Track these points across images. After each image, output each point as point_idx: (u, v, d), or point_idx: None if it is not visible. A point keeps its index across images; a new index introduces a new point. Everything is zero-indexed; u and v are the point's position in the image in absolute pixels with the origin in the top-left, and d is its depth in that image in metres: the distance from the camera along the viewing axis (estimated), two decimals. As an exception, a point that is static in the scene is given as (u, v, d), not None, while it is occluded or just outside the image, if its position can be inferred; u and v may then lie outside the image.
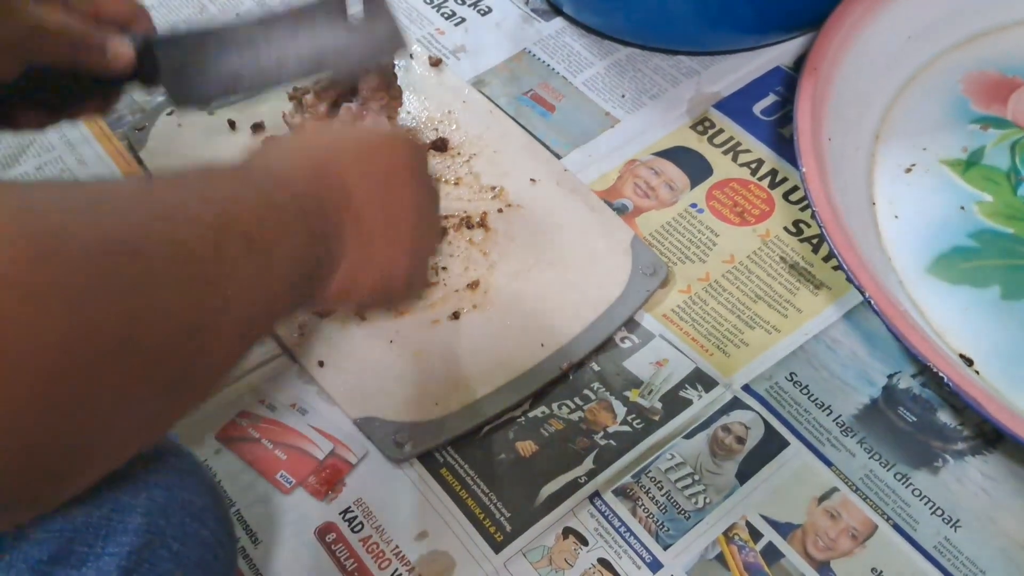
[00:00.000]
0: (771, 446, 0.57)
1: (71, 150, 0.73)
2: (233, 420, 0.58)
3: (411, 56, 0.76)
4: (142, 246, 0.35)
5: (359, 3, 0.59)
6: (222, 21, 0.60)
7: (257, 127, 0.71)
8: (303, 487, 0.56)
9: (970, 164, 0.69)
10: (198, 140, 0.71)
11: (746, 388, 0.59)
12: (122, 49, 0.55)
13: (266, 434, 0.58)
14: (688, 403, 0.59)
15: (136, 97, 0.76)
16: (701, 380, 0.60)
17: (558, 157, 0.71)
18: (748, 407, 0.59)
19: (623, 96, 0.75)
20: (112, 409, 0.34)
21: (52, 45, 0.53)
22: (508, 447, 0.57)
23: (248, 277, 0.41)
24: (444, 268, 0.63)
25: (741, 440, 0.57)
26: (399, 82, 0.68)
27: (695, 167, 0.71)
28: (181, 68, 0.58)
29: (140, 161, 0.71)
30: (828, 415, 0.58)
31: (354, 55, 0.60)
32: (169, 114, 0.73)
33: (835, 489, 0.55)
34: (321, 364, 0.60)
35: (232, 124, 0.72)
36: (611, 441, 0.57)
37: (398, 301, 0.54)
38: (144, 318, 0.34)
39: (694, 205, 0.68)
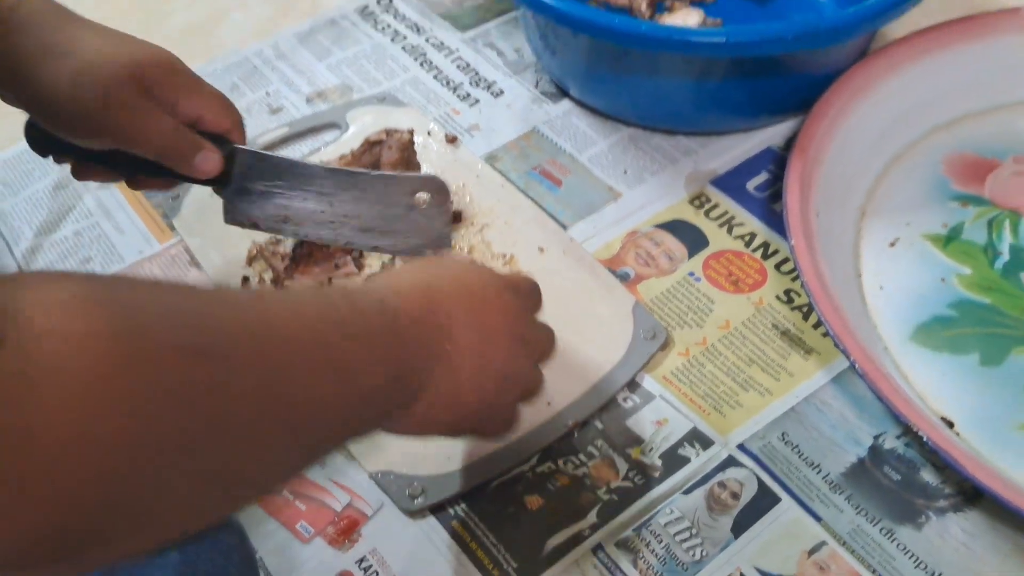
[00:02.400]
0: (764, 502, 0.58)
1: (107, 216, 0.76)
2: (256, 472, 0.61)
3: (428, 133, 0.79)
4: (225, 357, 0.36)
5: (427, 194, 0.63)
6: (304, 162, 0.63)
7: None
8: (321, 536, 0.58)
9: (950, 239, 0.71)
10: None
11: (741, 447, 0.61)
12: (206, 166, 0.58)
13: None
14: (686, 460, 0.60)
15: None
16: (699, 439, 0.61)
17: (564, 228, 0.73)
18: (742, 465, 0.60)
19: (625, 172, 0.78)
20: (157, 500, 0.34)
21: (148, 145, 0.56)
22: (516, 501, 0.58)
23: (327, 400, 0.41)
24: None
25: (736, 496, 0.58)
26: (417, 158, 0.72)
27: (692, 238, 0.73)
28: (247, 188, 0.61)
29: (173, 228, 0.74)
30: (818, 473, 0.59)
31: (402, 242, 0.63)
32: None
33: (824, 543, 0.56)
34: (341, 421, 0.62)
35: (260, 194, 0.75)
36: (614, 496, 0.58)
37: (466, 435, 0.55)
38: (209, 422, 0.35)
39: (692, 274, 0.70)
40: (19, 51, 0.54)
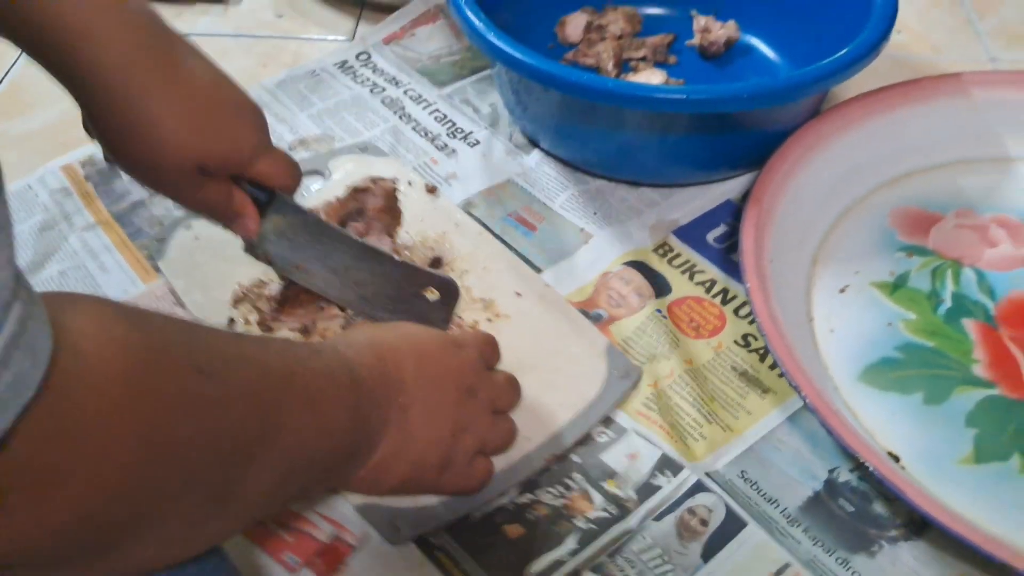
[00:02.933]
0: (731, 526, 0.60)
1: (93, 257, 0.77)
2: (245, 505, 0.62)
3: (409, 183, 0.81)
4: (223, 378, 0.40)
5: (437, 292, 0.66)
6: (336, 227, 0.66)
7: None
8: (308, 567, 0.58)
9: (896, 286, 0.74)
10: (215, 253, 0.74)
11: (707, 475, 0.63)
12: (241, 232, 0.61)
13: (273, 518, 0.60)
14: (658, 488, 0.62)
15: (155, 211, 0.80)
16: (669, 465, 0.63)
17: (540, 271, 0.76)
18: (710, 490, 0.62)
19: (595, 213, 0.81)
20: (165, 503, 0.38)
21: (195, 208, 0.60)
22: (497, 530, 0.60)
23: (299, 427, 0.45)
24: None
25: (704, 523, 0.60)
26: (399, 205, 0.75)
27: (658, 283, 0.76)
28: (276, 231, 0.63)
29: (158, 269, 0.75)
30: (776, 507, 0.61)
31: (396, 319, 0.66)
32: (188, 228, 0.76)
33: (788, 565, 0.58)
34: (326, 456, 0.64)
35: (247, 239, 0.77)
36: (591, 525, 0.60)
37: (432, 493, 0.58)
38: (209, 434, 0.39)
39: (659, 311, 0.73)
40: (102, 63, 0.51)
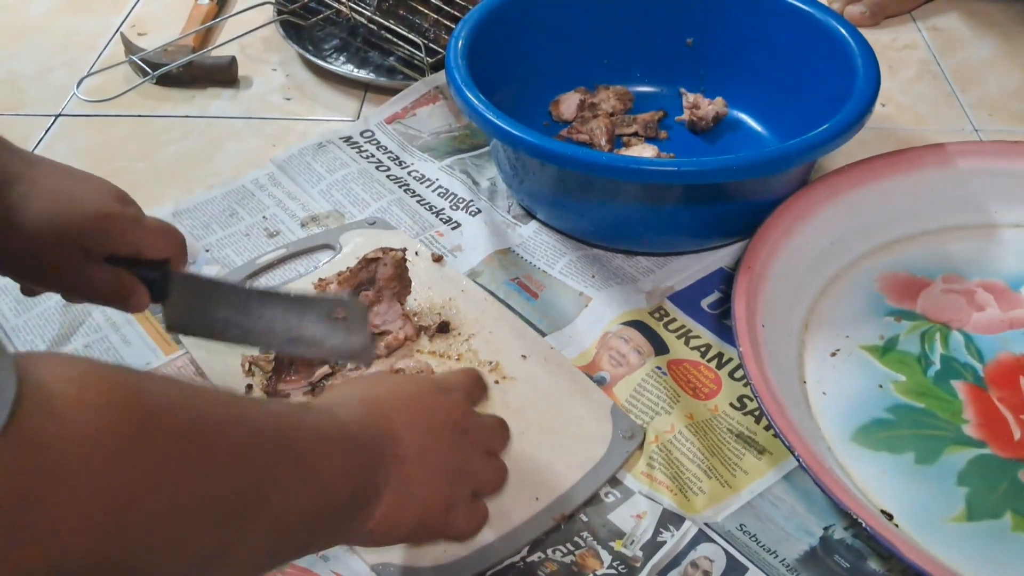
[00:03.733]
0: (734, 574, 0.62)
1: (115, 330, 0.79)
2: (265, 567, 0.63)
3: (416, 253, 0.84)
4: (211, 442, 0.41)
5: (344, 311, 0.67)
6: (232, 283, 0.69)
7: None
8: None
9: (886, 350, 0.76)
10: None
11: (708, 526, 0.64)
12: (136, 309, 0.64)
13: None
14: (662, 544, 0.63)
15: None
16: (671, 520, 0.64)
17: (543, 335, 0.78)
18: (712, 540, 0.63)
19: (593, 276, 0.84)
20: (149, 567, 0.38)
21: (87, 295, 0.62)
22: None
23: (292, 487, 0.45)
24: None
25: (707, 574, 0.61)
26: (408, 274, 0.77)
27: (656, 343, 0.77)
28: (184, 304, 0.65)
29: (179, 341, 0.77)
30: (775, 558, 0.63)
31: (326, 349, 0.67)
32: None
33: None
34: (341, 518, 0.65)
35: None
36: None
37: (439, 537, 0.60)
38: (195, 499, 0.39)
39: (659, 368, 0.75)
40: None
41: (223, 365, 0.75)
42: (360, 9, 1.13)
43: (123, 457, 0.35)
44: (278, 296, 0.68)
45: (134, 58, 1.10)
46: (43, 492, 0.32)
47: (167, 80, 1.09)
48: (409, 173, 0.97)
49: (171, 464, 0.38)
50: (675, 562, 0.63)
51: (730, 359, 0.77)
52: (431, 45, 1.08)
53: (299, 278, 0.84)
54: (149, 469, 0.37)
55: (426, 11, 1.13)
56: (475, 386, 0.68)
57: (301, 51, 1.13)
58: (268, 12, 1.19)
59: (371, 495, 0.52)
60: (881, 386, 0.74)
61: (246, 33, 1.15)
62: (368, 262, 0.76)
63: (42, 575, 0.33)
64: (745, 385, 0.74)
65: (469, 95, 0.83)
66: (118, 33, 1.18)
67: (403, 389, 0.60)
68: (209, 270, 0.85)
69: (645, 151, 0.94)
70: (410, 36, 1.09)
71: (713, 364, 0.76)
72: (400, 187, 0.95)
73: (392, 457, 0.54)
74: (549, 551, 0.64)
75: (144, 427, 0.37)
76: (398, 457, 0.54)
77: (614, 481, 0.68)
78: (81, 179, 0.64)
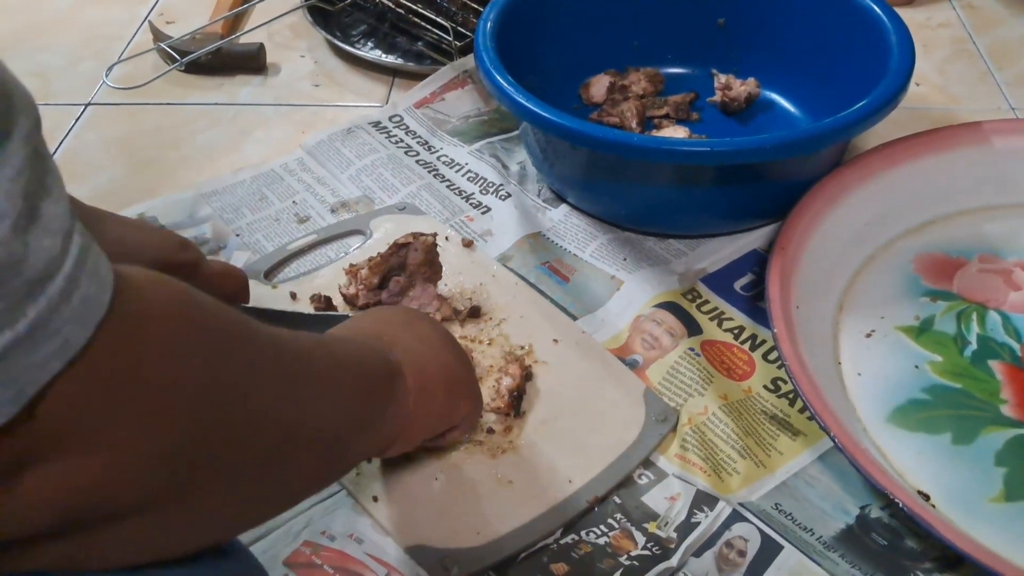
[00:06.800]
0: (769, 552, 0.62)
1: None
2: (299, 548, 0.63)
3: (447, 238, 0.84)
4: (260, 343, 0.43)
5: None
6: (298, 312, 0.72)
7: (315, 298, 0.78)
8: None
9: (922, 330, 0.76)
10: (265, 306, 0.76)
11: (742, 505, 0.65)
12: None
13: (328, 560, 0.62)
14: (696, 524, 0.63)
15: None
16: (706, 501, 0.65)
17: (575, 318, 0.78)
18: (746, 519, 0.64)
19: (625, 259, 0.84)
20: (234, 444, 0.40)
21: None
22: (543, 569, 0.62)
23: (327, 386, 0.47)
24: (482, 416, 0.69)
25: (742, 554, 0.62)
26: (439, 259, 0.78)
27: (689, 323, 0.77)
28: None
29: None
30: (811, 535, 0.63)
31: None
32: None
33: None
34: (375, 499, 0.65)
35: (293, 295, 0.79)
36: (634, 562, 0.62)
37: (469, 396, 0.63)
38: (252, 394, 0.41)
39: (692, 349, 0.75)
40: None
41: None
42: (387, -6, 1.13)
43: (203, 333, 0.38)
44: (282, 316, 0.70)
45: (163, 45, 1.10)
46: (149, 359, 0.35)
47: (195, 68, 1.10)
48: (438, 158, 0.97)
49: (224, 360, 0.40)
50: (710, 542, 0.63)
51: (763, 341, 0.77)
52: (459, 29, 1.08)
53: (329, 264, 0.84)
54: (223, 349, 0.39)
55: (454, -6, 1.13)
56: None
57: (329, 37, 1.13)
58: (295, -2, 1.19)
59: (395, 371, 0.54)
60: (917, 367, 0.73)
61: (274, 19, 1.15)
62: (399, 247, 0.76)
63: (155, 449, 0.36)
64: (779, 367, 0.74)
65: (499, 78, 0.82)
66: (146, 21, 1.19)
67: (397, 315, 0.64)
68: (240, 255, 0.86)
69: (677, 133, 0.94)
70: (438, 20, 1.09)
71: (746, 346, 0.76)
72: (429, 172, 0.95)
73: (391, 338, 0.57)
74: (583, 533, 0.64)
75: (205, 324, 0.39)
76: (396, 339, 0.57)
77: (647, 463, 0.68)
78: (144, 230, 0.68)
